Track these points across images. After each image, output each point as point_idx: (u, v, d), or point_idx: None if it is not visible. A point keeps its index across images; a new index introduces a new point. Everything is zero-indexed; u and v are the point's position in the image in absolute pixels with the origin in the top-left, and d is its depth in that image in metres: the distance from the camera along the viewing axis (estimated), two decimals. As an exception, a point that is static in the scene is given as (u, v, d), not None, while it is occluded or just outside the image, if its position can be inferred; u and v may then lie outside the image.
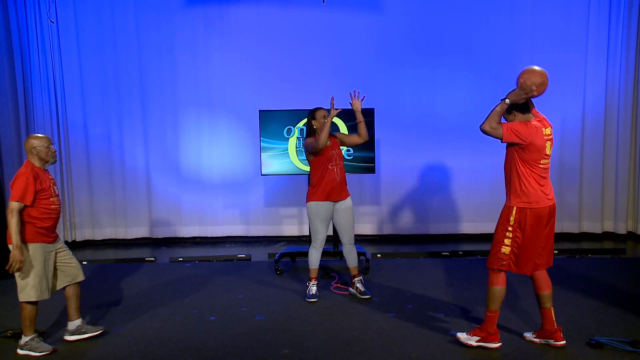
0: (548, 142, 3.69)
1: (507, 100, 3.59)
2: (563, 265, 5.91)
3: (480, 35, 7.09)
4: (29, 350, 3.95)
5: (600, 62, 7.03)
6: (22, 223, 3.88)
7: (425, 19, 7.13)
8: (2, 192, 6.04)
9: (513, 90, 3.61)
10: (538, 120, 3.73)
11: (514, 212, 3.70)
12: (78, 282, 4.20)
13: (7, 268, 3.86)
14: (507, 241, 3.71)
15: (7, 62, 6.89)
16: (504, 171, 3.83)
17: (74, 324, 4.19)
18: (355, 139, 5.02)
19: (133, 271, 6.05)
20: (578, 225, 7.28)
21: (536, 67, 3.62)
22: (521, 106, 3.71)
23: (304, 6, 7.05)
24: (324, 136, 4.69)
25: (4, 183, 6.16)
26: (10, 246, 3.91)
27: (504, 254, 3.73)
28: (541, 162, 3.69)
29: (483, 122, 3.62)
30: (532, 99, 3.78)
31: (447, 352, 3.87)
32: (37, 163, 4.01)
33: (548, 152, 3.71)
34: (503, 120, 3.73)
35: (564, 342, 3.83)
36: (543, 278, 3.85)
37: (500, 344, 3.85)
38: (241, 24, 7.19)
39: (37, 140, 4.02)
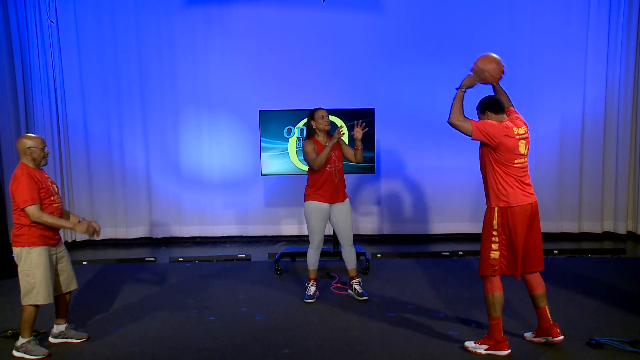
0: (522, 141, 3.66)
1: (459, 87, 3.65)
2: (563, 265, 5.91)
3: (480, 35, 7.08)
4: (24, 353, 3.92)
5: (600, 62, 7.02)
6: (26, 226, 3.87)
7: (425, 18, 7.13)
8: (2, 192, 6.03)
9: (467, 76, 3.69)
10: (510, 120, 3.72)
11: (496, 214, 3.66)
12: (69, 290, 4.21)
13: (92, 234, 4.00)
14: (494, 246, 3.66)
15: (7, 62, 6.88)
16: (480, 173, 3.80)
17: (59, 328, 4.20)
18: (350, 155, 4.92)
19: (133, 271, 6.05)
20: (578, 225, 7.28)
21: (492, 54, 3.72)
22: (494, 106, 3.71)
23: (304, 6, 7.05)
24: (320, 159, 4.69)
25: (4, 183, 6.16)
26: (16, 250, 3.91)
27: (494, 259, 3.67)
28: (515, 162, 3.65)
29: (449, 115, 3.64)
30: (511, 99, 3.90)
31: (447, 352, 3.87)
32: (30, 164, 3.96)
33: (522, 151, 3.68)
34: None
35: (561, 337, 3.82)
36: (535, 279, 3.83)
37: (509, 350, 3.76)
38: (241, 24, 7.19)
39: (31, 141, 3.96)
